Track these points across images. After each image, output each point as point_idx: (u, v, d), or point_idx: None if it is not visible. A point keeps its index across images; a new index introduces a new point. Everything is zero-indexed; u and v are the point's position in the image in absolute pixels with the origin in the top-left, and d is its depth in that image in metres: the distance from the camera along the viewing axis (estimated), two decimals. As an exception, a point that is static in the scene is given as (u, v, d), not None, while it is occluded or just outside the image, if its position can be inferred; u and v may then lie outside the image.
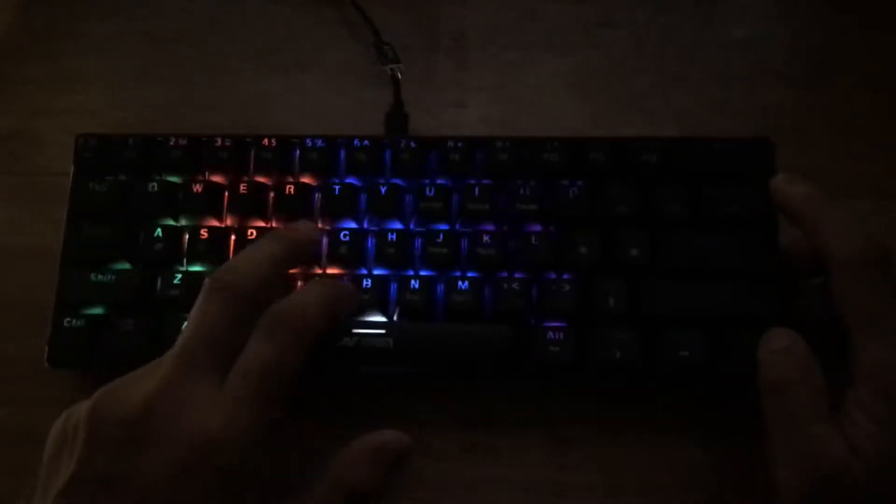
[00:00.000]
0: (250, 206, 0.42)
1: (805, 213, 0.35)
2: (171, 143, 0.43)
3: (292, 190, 0.42)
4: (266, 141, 0.43)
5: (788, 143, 0.42)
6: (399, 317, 0.40)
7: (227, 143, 0.43)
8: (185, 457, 0.29)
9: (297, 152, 0.43)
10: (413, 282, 0.40)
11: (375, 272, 0.41)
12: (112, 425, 0.29)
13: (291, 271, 0.40)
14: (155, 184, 0.42)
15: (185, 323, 0.33)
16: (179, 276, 0.41)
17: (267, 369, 0.31)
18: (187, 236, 0.41)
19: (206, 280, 0.33)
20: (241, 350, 0.31)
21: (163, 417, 0.29)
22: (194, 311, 0.32)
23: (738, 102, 0.47)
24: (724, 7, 0.49)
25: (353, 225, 0.42)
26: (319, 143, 0.43)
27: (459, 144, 0.42)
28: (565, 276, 0.40)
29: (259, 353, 0.31)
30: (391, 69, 0.47)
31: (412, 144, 0.42)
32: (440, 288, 0.40)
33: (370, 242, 0.41)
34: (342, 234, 0.41)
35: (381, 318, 0.40)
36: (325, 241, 0.41)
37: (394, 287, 0.40)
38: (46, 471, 0.31)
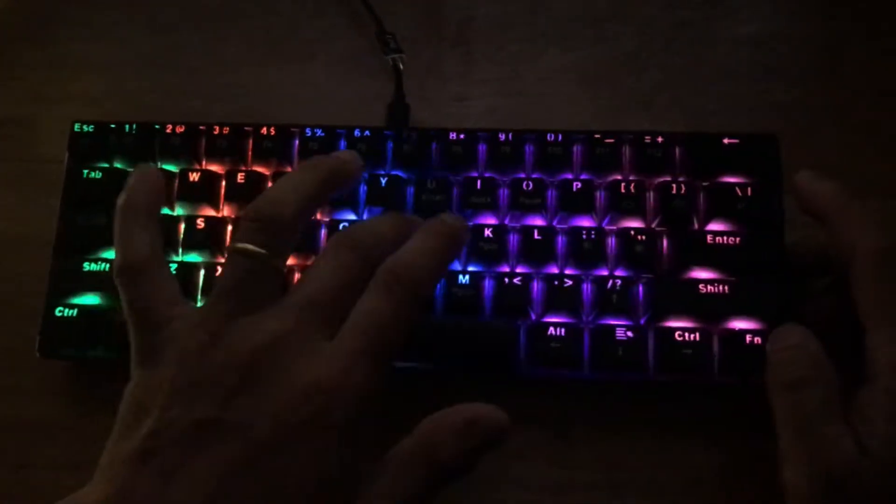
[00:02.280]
0: (248, 195, 0.41)
1: (830, 208, 0.35)
2: (168, 130, 0.42)
3: (291, 180, 0.41)
4: (265, 130, 0.42)
5: (796, 142, 0.41)
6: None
7: (225, 132, 0.42)
8: (296, 406, 0.28)
9: (297, 142, 0.42)
10: (413, 275, 0.39)
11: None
12: (215, 369, 0.28)
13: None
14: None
15: (304, 273, 0.32)
16: (174, 265, 0.40)
17: (383, 324, 0.30)
18: (183, 225, 0.41)
19: (335, 235, 0.33)
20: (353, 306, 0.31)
21: (274, 365, 0.28)
22: (317, 262, 0.32)
23: (747, 100, 0.46)
24: (732, 4, 0.48)
25: (353, 216, 0.41)
26: (319, 132, 0.42)
27: (462, 136, 0.41)
28: (568, 271, 0.39)
29: (375, 308, 0.30)
30: (393, 59, 0.46)
31: (414, 135, 0.42)
32: (441, 281, 0.39)
33: (370, 234, 0.40)
34: (341, 226, 0.40)
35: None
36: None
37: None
38: (129, 414, 0.29)
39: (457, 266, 0.40)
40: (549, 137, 0.41)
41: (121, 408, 0.30)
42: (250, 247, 0.31)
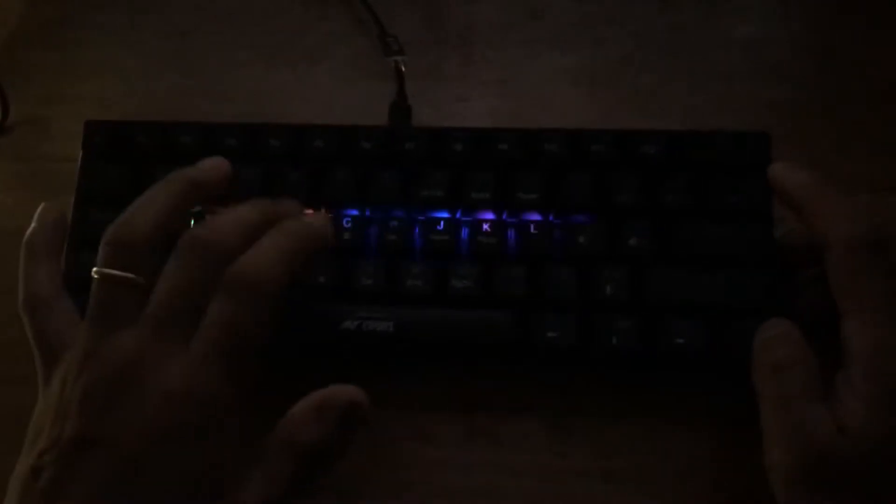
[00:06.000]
0: (257, 193, 0.42)
1: (805, 199, 0.36)
2: (180, 130, 0.44)
3: (299, 178, 0.42)
4: (273, 129, 0.43)
5: (790, 140, 0.42)
6: (401, 301, 0.40)
7: (236, 132, 0.44)
8: (153, 415, 0.30)
9: (304, 141, 0.43)
10: (414, 267, 0.40)
11: (377, 258, 0.41)
12: (86, 389, 0.31)
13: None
14: (163, 170, 0.43)
15: (164, 278, 0.33)
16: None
17: (230, 329, 0.32)
18: (193, 222, 0.42)
19: (180, 238, 0.33)
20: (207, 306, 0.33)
21: (134, 380, 0.31)
22: (166, 270, 0.33)
23: (741, 100, 0.47)
24: (727, 6, 0.50)
25: (355, 213, 0.42)
26: (325, 131, 0.43)
27: (463, 135, 0.42)
28: (565, 264, 0.40)
29: (217, 313, 0.32)
30: (395, 61, 0.47)
31: (416, 134, 0.43)
32: (441, 274, 0.40)
33: (373, 229, 0.42)
34: (345, 221, 0.41)
35: (382, 304, 0.40)
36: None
37: (395, 272, 0.40)
38: (31, 434, 0.33)
39: (458, 260, 0.41)
40: (547, 136, 0.42)
41: (28, 428, 0.33)
42: (106, 271, 0.33)
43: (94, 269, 0.33)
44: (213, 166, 0.38)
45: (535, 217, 0.41)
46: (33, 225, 0.38)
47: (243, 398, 0.32)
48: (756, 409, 0.34)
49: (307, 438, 0.32)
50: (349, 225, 0.41)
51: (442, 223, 0.41)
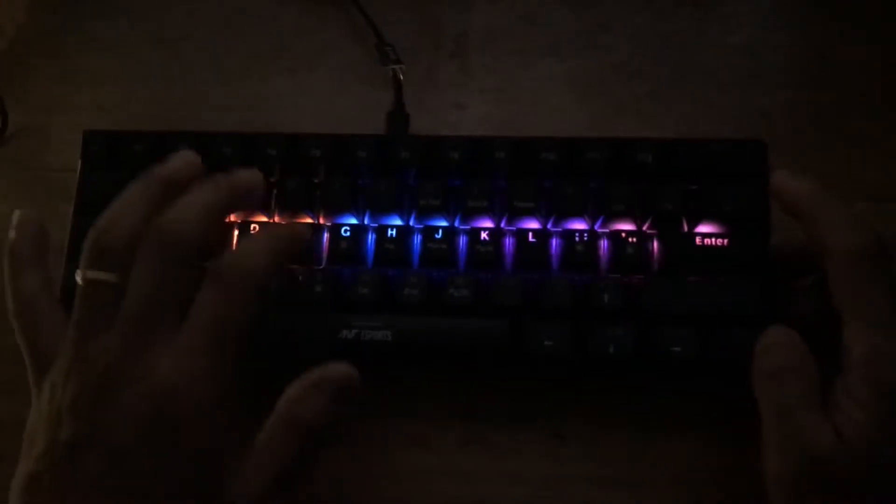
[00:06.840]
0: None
1: (806, 207, 0.36)
2: (177, 139, 0.44)
3: (295, 186, 0.42)
4: (270, 138, 0.43)
5: (784, 147, 0.42)
6: (398, 310, 0.40)
7: (232, 140, 0.44)
8: (144, 411, 0.30)
9: (300, 149, 0.43)
10: (411, 276, 0.40)
11: (375, 267, 0.41)
12: (75, 392, 0.31)
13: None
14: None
15: (133, 275, 0.33)
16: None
17: (214, 318, 0.32)
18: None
19: (146, 233, 0.33)
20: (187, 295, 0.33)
21: (120, 378, 0.31)
22: (137, 265, 0.33)
23: (735, 107, 0.48)
24: (720, 13, 0.50)
25: (353, 220, 0.42)
26: (322, 140, 0.43)
27: (459, 143, 0.43)
28: (561, 273, 0.41)
29: (206, 303, 0.32)
30: (393, 70, 0.48)
31: (413, 142, 0.43)
32: (439, 283, 0.40)
33: (370, 238, 0.42)
34: (343, 230, 0.42)
35: (380, 313, 0.40)
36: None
37: (393, 281, 0.41)
38: (26, 439, 0.33)
39: (455, 268, 0.41)
40: (543, 144, 0.42)
41: (23, 437, 0.33)
42: (89, 274, 0.33)
43: (77, 272, 0.34)
44: (182, 164, 0.38)
45: (533, 225, 0.41)
46: (13, 234, 0.38)
47: (230, 389, 0.32)
48: (752, 416, 0.34)
49: (308, 414, 0.33)
50: (347, 234, 0.41)
51: (439, 232, 0.41)
